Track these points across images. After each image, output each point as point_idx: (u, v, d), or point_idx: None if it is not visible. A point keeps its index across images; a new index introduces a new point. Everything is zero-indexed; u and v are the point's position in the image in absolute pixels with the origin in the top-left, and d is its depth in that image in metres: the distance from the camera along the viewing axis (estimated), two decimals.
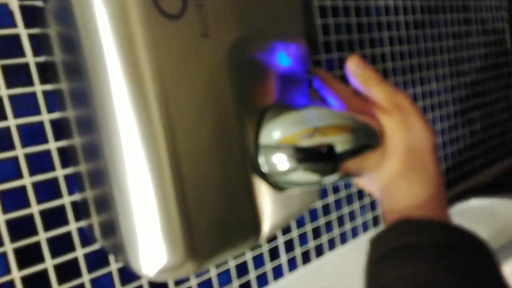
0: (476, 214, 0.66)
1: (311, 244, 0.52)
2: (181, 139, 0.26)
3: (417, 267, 0.26)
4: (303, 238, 0.51)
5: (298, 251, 0.51)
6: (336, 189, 0.55)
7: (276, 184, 0.31)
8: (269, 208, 0.32)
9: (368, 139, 0.31)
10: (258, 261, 0.47)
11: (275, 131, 0.31)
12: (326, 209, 0.54)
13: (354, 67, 0.34)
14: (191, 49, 0.26)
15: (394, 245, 0.28)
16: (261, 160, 0.30)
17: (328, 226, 0.54)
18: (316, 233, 0.53)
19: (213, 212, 0.28)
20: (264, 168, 0.31)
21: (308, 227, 0.52)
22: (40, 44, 0.32)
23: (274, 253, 0.48)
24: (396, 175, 0.33)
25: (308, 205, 0.36)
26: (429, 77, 0.70)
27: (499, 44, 0.88)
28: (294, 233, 0.50)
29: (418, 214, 0.30)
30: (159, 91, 0.25)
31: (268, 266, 0.48)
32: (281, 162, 0.30)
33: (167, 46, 0.25)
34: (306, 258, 0.52)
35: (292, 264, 0.50)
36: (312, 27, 0.34)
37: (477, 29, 0.81)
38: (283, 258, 0.49)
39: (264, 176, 0.31)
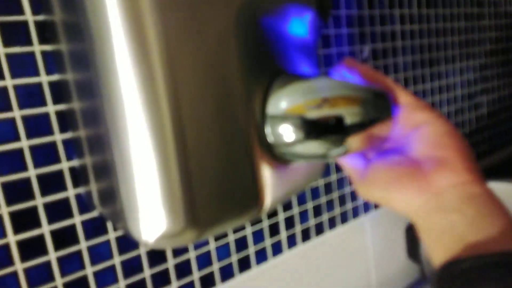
0: None
1: (312, 222, 0.52)
2: (185, 105, 0.25)
3: None
4: (304, 216, 0.51)
5: (298, 229, 0.50)
6: (339, 168, 0.54)
7: (281, 155, 0.30)
8: (271, 181, 0.31)
9: (378, 111, 0.30)
10: (258, 236, 0.46)
11: (282, 101, 0.30)
12: (329, 188, 0.53)
13: (366, 71, 0.31)
14: (198, 8, 0.24)
15: None
16: (268, 130, 0.29)
17: (330, 204, 0.53)
18: (317, 211, 0.52)
19: (215, 181, 0.27)
20: (270, 139, 0.30)
21: (310, 205, 0.51)
22: (39, 2, 0.31)
23: (274, 229, 0.48)
24: (472, 186, 0.26)
25: (310, 181, 0.36)
26: (438, 58, 0.68)
27: (510, 28, 0.86)
28: (295, 210, 0.50)
29: (496, 248, 0.24)
30: (164, 53, 0.24)
31: (268, 242, 0.47)
32: (287, 133, 0.29)
33: (173, 4, 0.23)
34: (306, 236, 0.51)
35: (292, 241, 0.50)
36: None
37: (489, 11, 0.79)
38: (283, 235, 0.49)
39: (270, 147, 0.30)
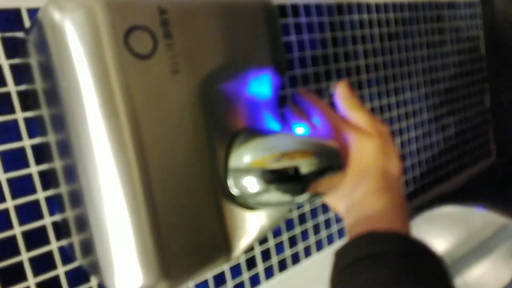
0: (444, 221, 0.69)
1: (288, 252, 0.55)
2: (154, 167, 0.28)
3: (377, 273, 0.30)
4: (279, 247, 0.54)
5: (274, 260, 0.53)
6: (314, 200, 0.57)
7: (246, 205, 0.34)
8: (240, 227, 0.34)
9: (330, 161, 0.34)
10: (236, 271, 0.49)
11: (245, 156, 0.33)
12: (302, 218, 0.56)
13: (343, 91, 0.38)
14: (162, 85, 0.27)
15: (361, 254, 0.31)
16: (230, 183, 0.32)
17: (304, 234, 0.56)
18: (293, 241, 0.55)
19: (184, 234, 0.30)
20: (234, 191, 0.33)
21: (285, 236, 0.54)
22: (21, 73, 0.34)
23: (251, 263, 0.50)
24: (370, 193, 0.36)
25: (278, 222, 0.39)
26: (403, 86, 0.73)
27: (473, 51, 0.91)
28: (271, 243, 0.52)
29: (385, 228, 0.33)
30: (132, 125, 0.27)
31: (245, 276, 0.50)
32: (251, 184, 0.32)
33: (139, 84, 0.26)
34: (282, 266, 0.54)
35: (269, 272, 0.53)
36: (280, 52, 0.36)
37: (451, 37, 0.84)
38: (260, 267, 0.51)
39: (234, 198, 0.33)
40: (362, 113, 0.37)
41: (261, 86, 0.35)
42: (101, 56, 0.25)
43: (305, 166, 0.33)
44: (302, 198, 0.34)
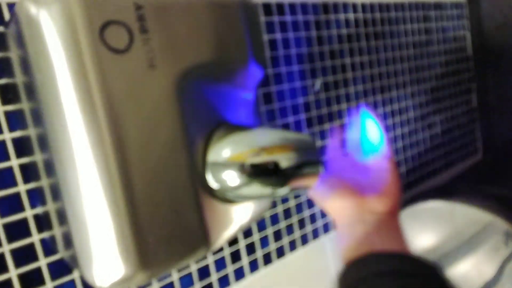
0: (428, 217, 0.70)
1: (273, 246, 0.55)
2: (131, 160, 0.29)
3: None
4: (264, 241, 0.54)
5: (259, 253, 0.54)
6: (297, 195, 0.58)
7: (225, 198, 0.34)
8: (219, 219, 0.34)
9: (309, 156, 0.34)
10: (220, 264, 0.49)
11: (224, 150, 0.33)
12: (288, 213, 0.57)
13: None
14: (139, 79, 0.28)
15: (374, 271, 0.32)
16: (209, 177, 0.33)
17: (289, 228, 0.57)
18: (278, 235, 0.56)
19: (163, 226, 0.30)
20: (213, 184, 0.33)
21: (270, 230, 0.55)
22: (1, 67, 0.34)
23: (235, 256, 0.51)
24: (388, 215, 0.37)
25: (259, 215, 0.39)
26: (389, 85, 0.73)
27: (460, 51, 0.92)
28: (256, 237, 0.53)
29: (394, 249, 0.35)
30: (110, 118, 0.27)
31: (230, 268, 0.51)
32: (230, 178, 0.33)
33: (116, 78, 0.27)
34: (267, 260, 0.55)
35: (254, 265, 0.53)
36: (259, 48, 0.37)
37: (438, 37, 0.85)
38: (245, 261, 0.52)
39: (213, 191, 0.33)
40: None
41: (240, 81, 0.35)
42: (77, 50, 0.25)
43: (284, 160, 0.33)
44: (282, 191, 0.34)
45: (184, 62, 0.30)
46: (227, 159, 0.33)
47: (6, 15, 0.35)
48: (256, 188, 0.33)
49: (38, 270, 0.36)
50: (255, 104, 0.37)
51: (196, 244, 0.32)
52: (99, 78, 0.26)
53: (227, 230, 0.35)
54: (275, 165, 0.33)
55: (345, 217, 0.38)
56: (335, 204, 0.39)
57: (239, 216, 0.37)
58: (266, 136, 0.34)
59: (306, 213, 0.59)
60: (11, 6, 0.35)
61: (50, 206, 0.34)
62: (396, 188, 0.39)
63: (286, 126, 0.56)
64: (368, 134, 0.44)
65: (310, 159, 0.35)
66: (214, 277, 0.49)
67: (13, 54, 0.32)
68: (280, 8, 0.55)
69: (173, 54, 0.29)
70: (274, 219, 0.55)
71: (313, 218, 0.60)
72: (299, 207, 0.58)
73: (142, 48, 0.27)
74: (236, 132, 0.34)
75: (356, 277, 0.32)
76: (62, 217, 0.31)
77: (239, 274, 0.52)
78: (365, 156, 0.43)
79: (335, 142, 0.47)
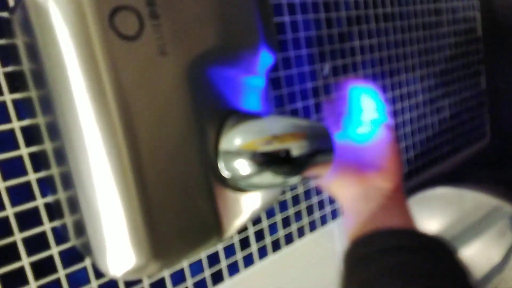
0: (436, 203, 0.70)
1: (281, 233, 0.55)
2: (143, 149, 0.28)
3: (401, 259, 0.30)
4: (273, 228, 0.54)
5: (268, 240, 0.54)
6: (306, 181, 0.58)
7: (237, 187, 0.34)
8: (230, 210, 0.34)
9: (321, 144, 0.34)
10: (229, 251, 0.50)
11: (236, 138, 0.33)
12: (296, 200, 0.57)
13: None
14: (150, 67, 0.27)
15: (380, 247, 0.32)
16: (221, 165, 0.33)
17: (298, 215, 0.57)
18: (286, 222, 0.56)
19: (175, 216, 0.30)
20: (225, 173, 0.33)
21: (278, 217, 0.55)
22: (8, 54, 0.33)
23: (244, 243, 0.51)
24: (393, 190, 0.37)
25: (270, 203, 0.39)
26: (398, 68, 0.72)
27: (469, 33, 0.90)
28: (264, 224, 0.53)
29: (400, 225, 0.34)
30: (121, 107, 0.27)
31: (239, 255, 0.51)
32: (242, 166, 0.32)
33: (126, 65, 0.26)
34: (276, 246, 0.55)
35: (263, 252, 0.53)
36: (271, 32, 0.36)
37: (447, 18, 0.84)
38: (254, 247, 0.52)
39: (225, 180, 0.33)
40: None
41: (252, 66, 0.34)
42: (86, 37, 0.24)
43: (296, 148, 0.33)
44: (294, 180, 0.34)
45: (196, 48, 0.29)
46: (238, 147, 0.33)
47: (11, 0, 0.34)
48: (268, 176, 0.33)
49: (50, 258, 0.36)
50: (266, 91, 0.36)
51: (209, 233, 0.32)
52: (110, 66, 0.26)
53: (238, 219, 0.35)
54: (287, 153, 0.33)
55: (349, 196, 0.38)
56: (338, 185, 0.39)
57: (250, 204, 0.36)
58: (277, 124, 0.34)
59: (315, 199, 0.59)
60: None
61: (61, 195, 0.34)
62: (397, 162, 0.38)
63: (294, 112, 0.56)
64: (363, 107, 0.42)
65: (322, 147, 0.34)
66: (223, 263, 0.49)
67: (19, 41, 0.31)
68: None
69: (185, 40, 0.28)
70: (283, 206, 0.55)
71: (321, 205, 0.60)
72: (307, 194, 0.58)
73: (152, 34, 0.27)
74: (248, 120, 0.33)
75: (361, 254, 0.32)
76: (74, 206, 0.31)
77: (248, 261, 0.52)
78: (362, 131, 0.41)
79: (330, 119, 0.45)
